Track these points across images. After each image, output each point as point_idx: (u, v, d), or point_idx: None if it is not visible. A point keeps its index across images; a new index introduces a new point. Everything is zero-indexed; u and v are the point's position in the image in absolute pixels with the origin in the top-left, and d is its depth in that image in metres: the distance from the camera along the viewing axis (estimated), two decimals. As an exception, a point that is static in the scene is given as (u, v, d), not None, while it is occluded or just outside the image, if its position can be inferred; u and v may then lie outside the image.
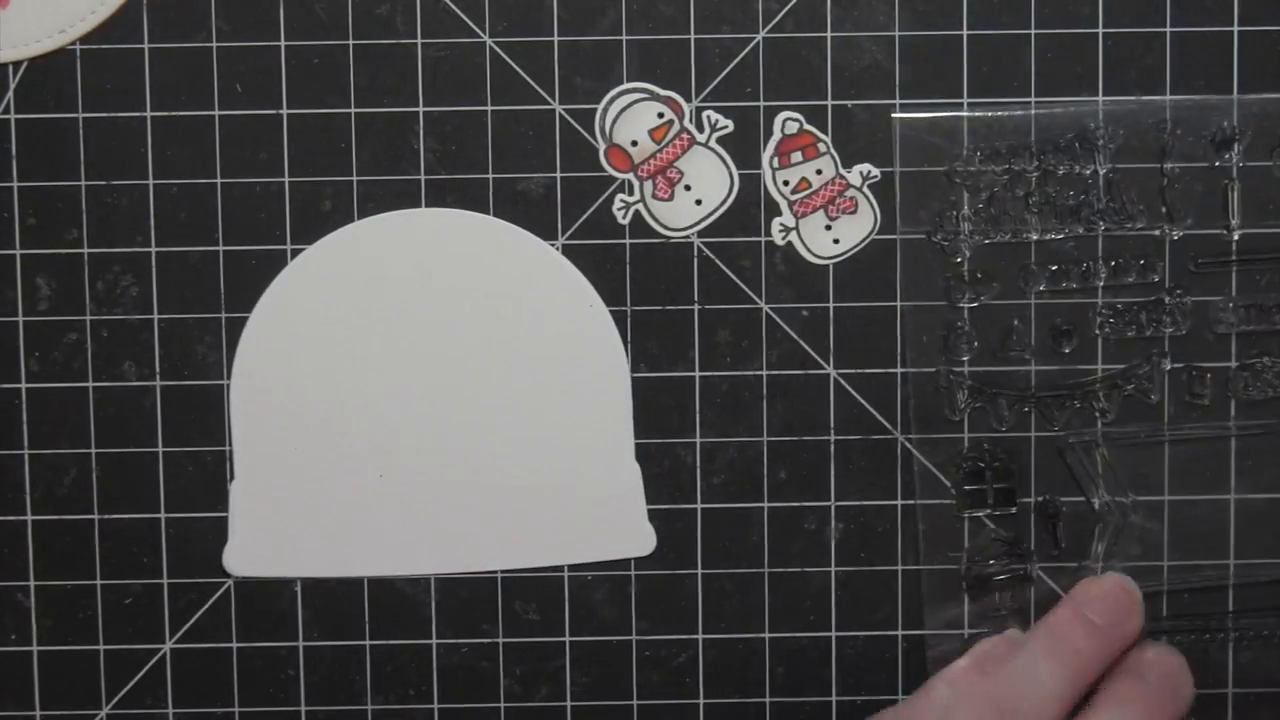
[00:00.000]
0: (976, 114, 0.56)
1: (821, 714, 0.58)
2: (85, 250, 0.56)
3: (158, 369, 0.57)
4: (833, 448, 0.57)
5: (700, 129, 0.56)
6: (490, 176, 0.56)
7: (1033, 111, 0.56)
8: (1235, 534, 0.57)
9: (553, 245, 0.57)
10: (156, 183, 0.56)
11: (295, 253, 0.56)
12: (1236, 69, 0.56)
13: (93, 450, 0.57)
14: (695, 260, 0.57)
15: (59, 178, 0.56)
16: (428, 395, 0.56)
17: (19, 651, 0.58)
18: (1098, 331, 0.57)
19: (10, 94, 0.56)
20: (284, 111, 0.56)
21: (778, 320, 0.57)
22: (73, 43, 0.56)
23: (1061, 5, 0.56)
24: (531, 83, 0.56)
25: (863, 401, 0.57)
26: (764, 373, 0.57)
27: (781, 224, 0.57)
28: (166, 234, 0.56)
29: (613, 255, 0.57)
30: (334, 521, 0.57)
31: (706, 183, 0.56)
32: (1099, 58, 0.56)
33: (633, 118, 0.56)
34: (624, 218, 0.57)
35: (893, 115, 0.56)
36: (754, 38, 0.56)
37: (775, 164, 0.56)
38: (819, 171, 0.56)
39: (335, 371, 0.56)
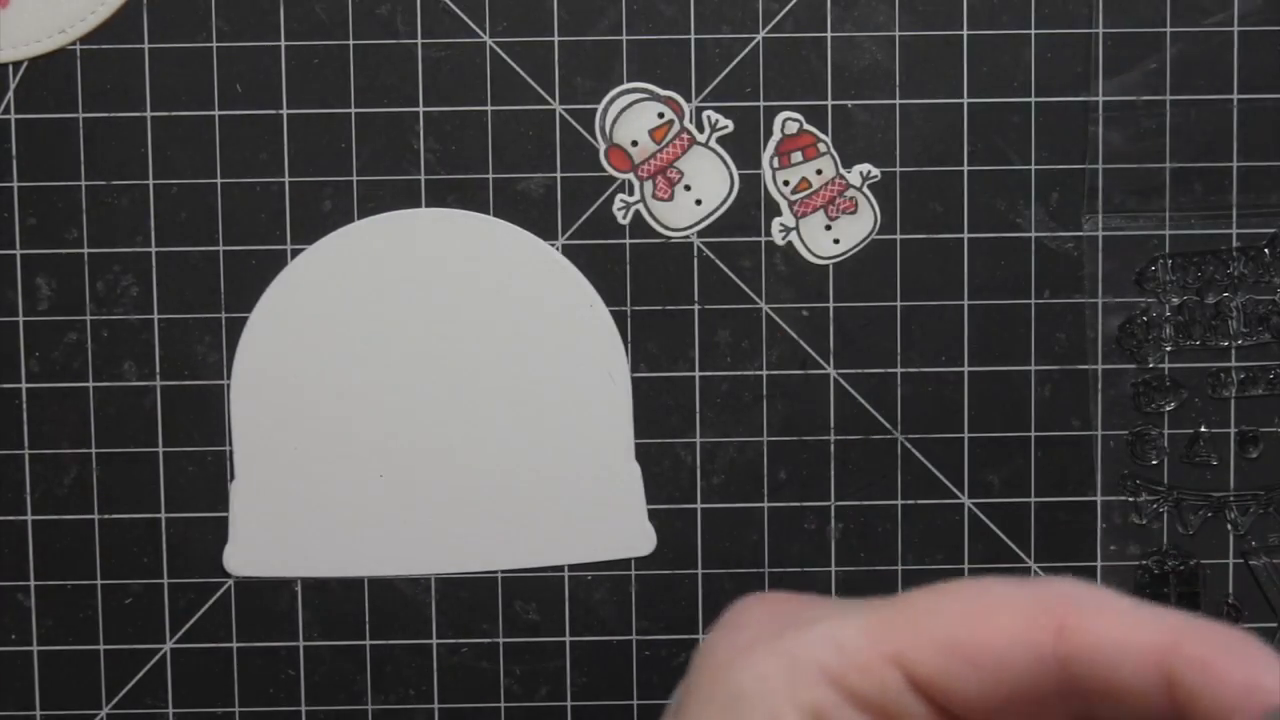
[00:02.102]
0: (1178, 232, 0.56)
1: (821, 714, 0.58)
2: (85, 250, 0.56)
3: (158, 369, 0.57)
4: (833, 448, 0.57)
5: (700, 129, 0.56)
6: (490, 176, 0.56)
7: (1235, 231, 0.56)
8: None
9: (553, 245, 0.57)
10: (156, 183, 0.56)
11: (295, 253, 0.57)
12: (1236, 69, 0.56)
13: (93, 450, 0.57)
14: (695, 260, 0.57)
15: (59, 178, 0.56)
16: (428, 395, 0.56)
17: (19, 651, 0.58)
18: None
19: (10, 94, 0.56)
20: (284, 111, 0.56)
21: (778, 320, 0.57)
22: (73, 43, 0.56)
23: (1061, 5, 0.56)
24: (531, 83, 0.56)
25: (863, 401, 0.57)
26: (764, 373, 0.57)
27: (781, 224, 0.57)
28: (166, 234, 0.56)
29: (613, 255, 0.57)
30: (334, 521, 0.57)
31: (706, 183, 0.56)
32: (1099, 58, 0.56)
33: (633, 118, 0.56)
34: (624, 218, 0.57)
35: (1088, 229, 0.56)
36: (754, 38, 0.56)
37: (775, 164, 0.56)
38: (819, 171, 0.56)
39: (335, 371, 0.56)
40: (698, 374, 0.57)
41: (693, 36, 0.56)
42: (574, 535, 0.57)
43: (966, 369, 0.57)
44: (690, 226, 0.57)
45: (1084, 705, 0.26)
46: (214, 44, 0.56)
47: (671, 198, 0.56)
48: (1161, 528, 0.57)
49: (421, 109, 0.56)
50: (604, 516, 0.57)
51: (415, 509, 0.57)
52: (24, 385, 0.57)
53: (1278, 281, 0.56)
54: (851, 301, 0.57)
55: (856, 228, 0.57)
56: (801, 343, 0.57)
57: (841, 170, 0.56)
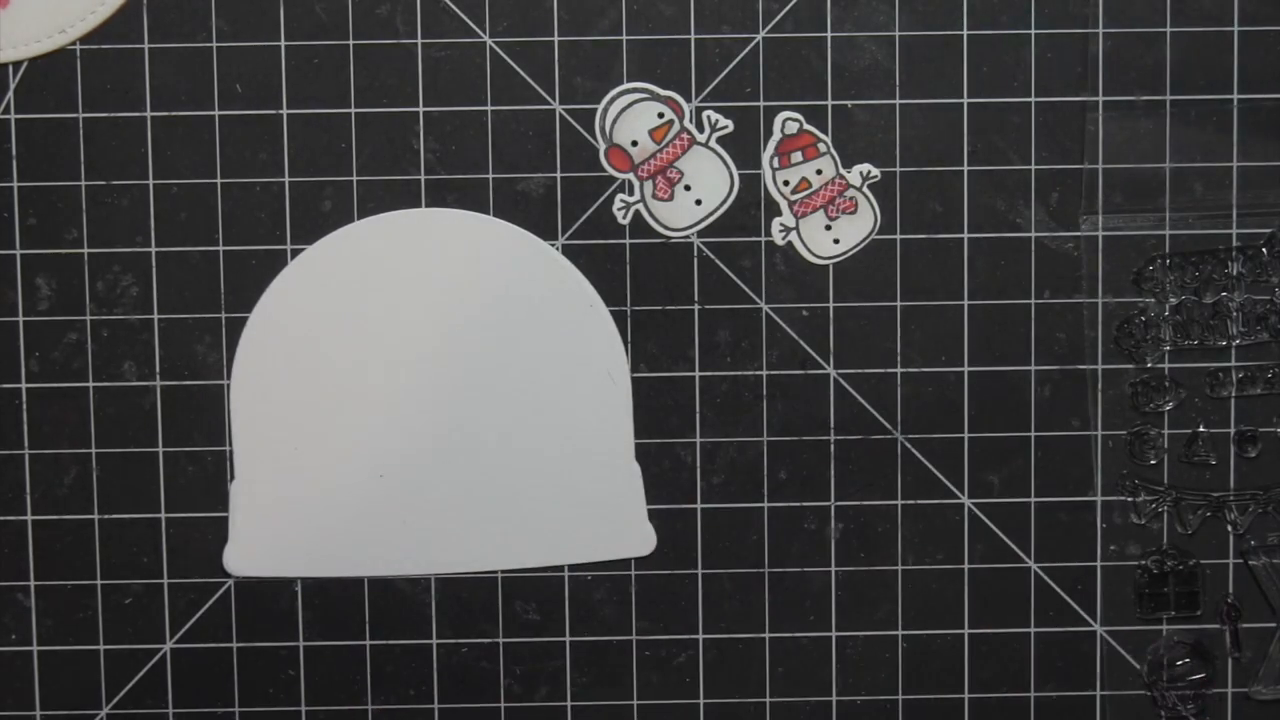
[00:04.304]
0: (1178, 232, 0.56)
1: (821, 714, 0.58)
2: (85, 250, 0.56)
3: (158, 369, 0.57)
4: (832, 448, 0.57)
5: (700, 129, 0.56)
6: (490, 176, 0.56)
7: (1235, 231, 0.56)
8: None
9: (553, 245, 0.57)
10: (156, 183, 0.56)
11: (295, 253, 0.56)
12: (1236, 69, 0.56)
13: (93, 450, 0.57)
14: (695, 260, 0.57)
15: (59, 178, 0.56)
16: (428, 395, 0.56)
17: (19, 651, 0.58)
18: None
19: (10, 94, 0.56)
20: (284, 111, 0.56)
21: (778, 320, 0.57)
22: (73, 43, 0.56)
23: (1061, 5, 0.56)
24: (531, 83, 0.56)
25: (862, 401, 0.57)
26: (764, 373, 0.57)
27: (781, 224, 0.57)
28: (166, 234, 0.56)
29: (613, 255, 0.57)
30: (334, 521, 0.57)
31: (706, 183, 0.56)
32: (1099, 58, 0.56)
33: (633, 118, 0.56)
34: (624, 218, 0.57)
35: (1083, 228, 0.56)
36: (754, 38, 0.56)
37: (775, 164, 0.56)
38: (819, 171, 0.56)
39: (335, 371, 0.56)
40: (698, 374, 0.57)
41: (693, 36, 0.56)
42: (574, 535, 0.57)
43: (966, 369, 0.57)
44: (690, 226, 0.57)
45: None
46: (214, 44, 0.56)
47: (671, 198, 0.57)
48: (1161, 527, 0.57)
49: (421, 109, 0.56)
50: (604, 516, 0.57)
51: (415, 509, 0.57)
52: (24, 385, 0.57)
53: (1276, 281, 0.56)
54: (851, 301, 0.57)
55: (856, 228, 0.57)
56: (801, 343, 0.57)
57: (841, 170, 0.56)
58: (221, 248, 0.57)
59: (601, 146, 0.56)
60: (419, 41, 0.56)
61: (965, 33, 0.56)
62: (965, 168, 0.56)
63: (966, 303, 0.57)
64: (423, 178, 0.56)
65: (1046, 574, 0.58)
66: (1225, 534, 0.58)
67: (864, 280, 0.57)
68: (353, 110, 0.56)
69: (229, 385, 0.57)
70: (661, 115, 0.56)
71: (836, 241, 0.57)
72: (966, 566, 0.58)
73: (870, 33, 0.56)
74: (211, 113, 0.56)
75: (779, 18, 0.56)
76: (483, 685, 0.58)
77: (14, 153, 0.56)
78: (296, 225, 0.56)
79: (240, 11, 0.56)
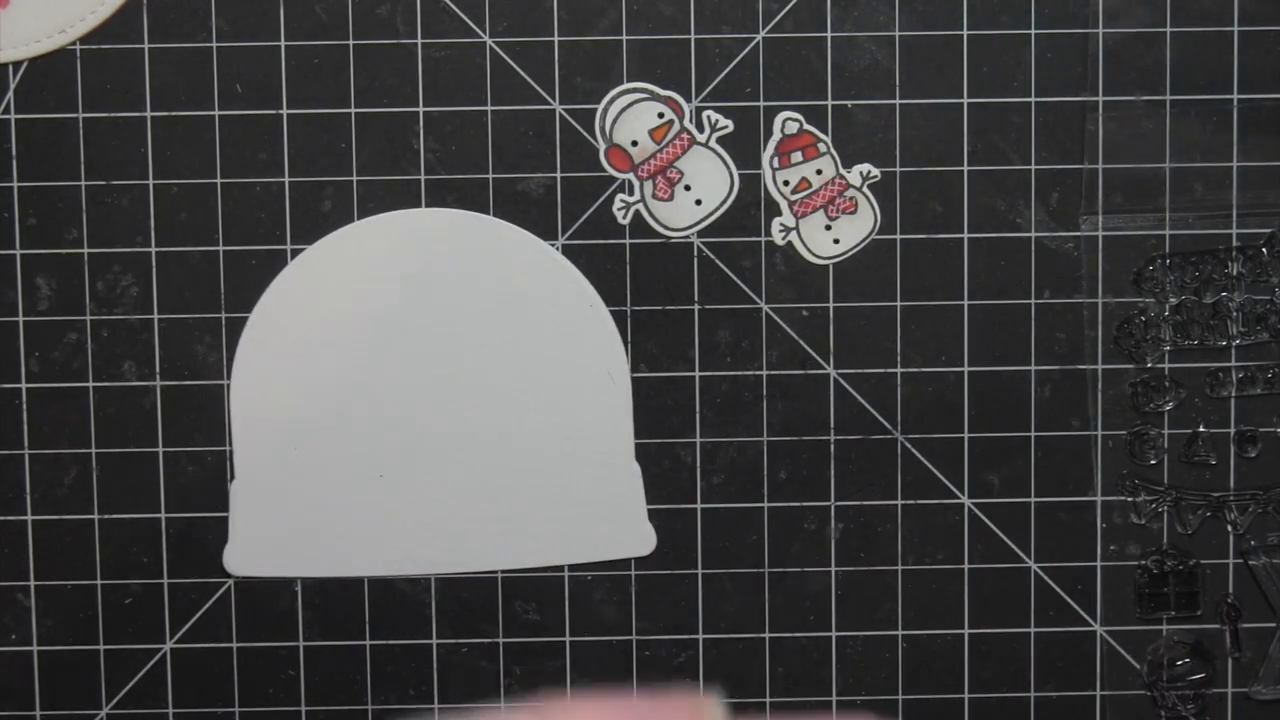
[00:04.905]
0: (1177, 232, 0.56)
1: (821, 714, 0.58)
2: (85, 250, 0.56)
3: (158, 369, 0.57)
4: (832, 448, 0.57)
5: (700, 129, 0.56)
6: (490, 176, 0.56)
7: (1235, 231, 0.56)
8: None
9: (553, 245, 0.57)
10: (156, 183, 0.56)
11: (295, 253, 0.56)
12: (1236, 69, 0.56)
13: (93, 450, 0.57)
14: (695, 260, 0.57)
15: (59, 178, 0.56)
16: (428, 395, 0.56)
17: (19, 651, 0.58)
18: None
19: (10, 94, 0.56)
20: (284, 111, 0.56)
21: (778, 320, 0.57)
22: (73, 43, 0.56)
23: (1061, 5, 0.56)
24: (531, 83, 0.56)
25: (862, 401, 0.57)
26: (764, 373, 0.57)
27: (781, 224, 0.57)
28: (166, 234, 0.56)
29: (613, 255, 0.57)
30: (334, 521, 0.57)
31: (706, 183, 0.56)
32: (1099, 58, 0.56)
33: (633, 118, 0.56)
34: (624, 218, 0.57)
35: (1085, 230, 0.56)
36: (754, 38, 0.56)
37: (775, 164, 0.56)
38: (819, 171, 0.56)
39: (335, 371, 0.56)
40: (698, 374, 0.57)
41: (693, 36, 0.56)
42: (574, 535, 0.57)
43: (966, 369, 0.57)
44: (690, 226, 0.57)
45: None
46: (214, 44, 0.56)
47: (671, 198, 0.57)
48: (1161, 527, 0.57)
49: (421, 109, 0.56)
50: (604, 516, 0.57)
51: (415, 509, 0.57)
52: (24, 385, 0.57)
53: (1276, 281, 0.56)
54: (851, 301, 0.57)
55: (856, 228, 0.57)
56: (801, 343, 0.57)
57: (841, 170, 0.56)
58: (221, 248, 0.57)
59: (601, 146, 0.56)
60: (419, 41, 0.56)
61: (965, 33, 0.56)
62: (965, 168, 0.56)
63: (966, 303, 0.57)
64: (423, 178, 0.56)
65: (1046, 574, 0.58)
66: (1225, 534, 0.58)
67: (864, 280, 0.57)
68: (353, 110, 0.56)
69: (229, 385, 0.57)
70: (661, 115, 0.56)
71: (836, 241, 0.57)
72: (966, 566, 0.58)
73: (870, 33, 0.56)
74: (211, 113, 0.56)
75: (779, 18, 0.56)
76: (483, 685, 0.58)
77: (14, 153, 0.56)
78: (296, 225, 0.56)
79: (240, 11, 0.56)
